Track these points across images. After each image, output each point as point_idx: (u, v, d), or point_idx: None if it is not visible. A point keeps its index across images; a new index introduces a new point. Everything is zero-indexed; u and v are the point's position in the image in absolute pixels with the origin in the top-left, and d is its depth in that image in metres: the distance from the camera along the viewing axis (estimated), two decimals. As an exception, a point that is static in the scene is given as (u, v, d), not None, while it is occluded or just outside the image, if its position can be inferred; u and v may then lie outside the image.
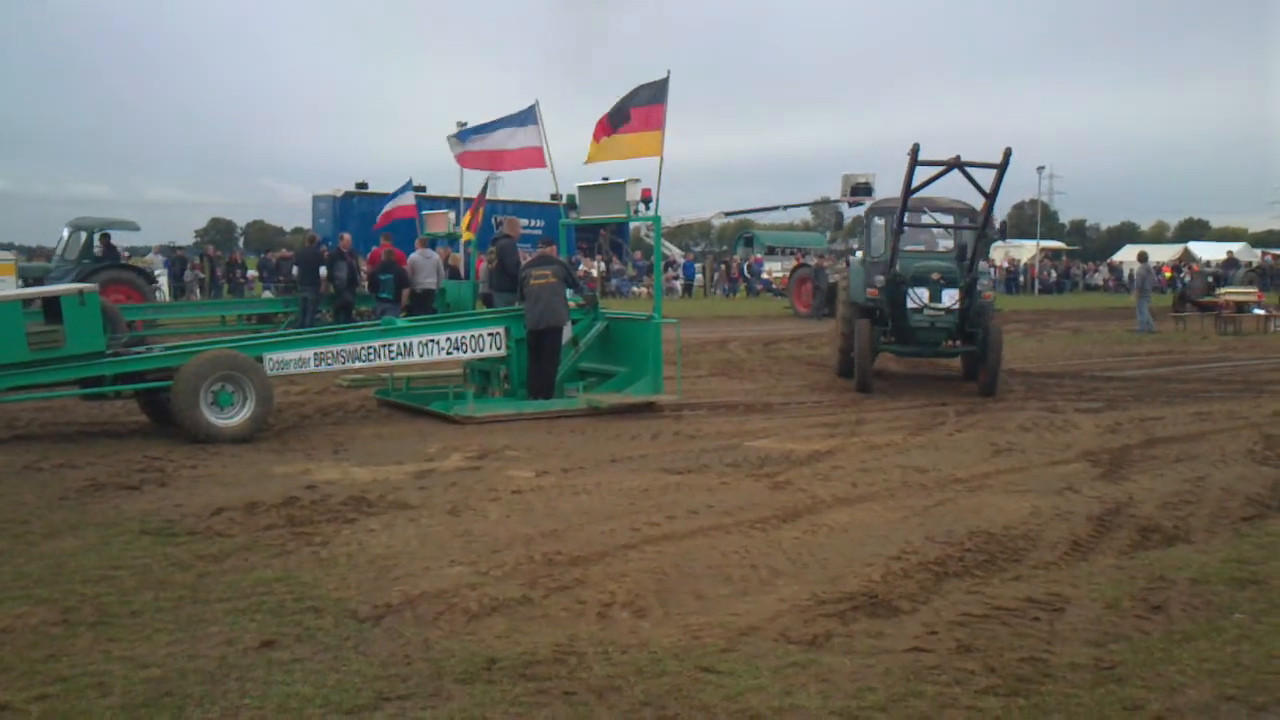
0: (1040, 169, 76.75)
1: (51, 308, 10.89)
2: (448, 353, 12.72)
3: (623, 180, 13.64)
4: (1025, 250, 66.82)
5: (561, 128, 14.75)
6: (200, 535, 7.14)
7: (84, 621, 5.44)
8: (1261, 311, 28.87)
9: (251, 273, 42.46)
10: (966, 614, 5.69)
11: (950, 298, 14.73)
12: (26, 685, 4.66)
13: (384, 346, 12.20)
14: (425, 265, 20.47)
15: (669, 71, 13.16)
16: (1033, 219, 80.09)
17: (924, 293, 14.74)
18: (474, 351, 12.96)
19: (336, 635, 5.29)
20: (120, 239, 29.12)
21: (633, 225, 40.30)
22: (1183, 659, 5.09)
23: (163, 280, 33.95)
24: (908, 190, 13.93)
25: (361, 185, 41.02)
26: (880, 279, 15.06)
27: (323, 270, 22.68)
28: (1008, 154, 13.21)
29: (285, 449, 10.48)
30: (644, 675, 4.84)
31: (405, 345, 12.31)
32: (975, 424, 12.21)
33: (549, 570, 6.39)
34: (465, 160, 16.05)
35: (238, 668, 4.86)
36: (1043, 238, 66.93)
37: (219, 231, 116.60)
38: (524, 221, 21.67)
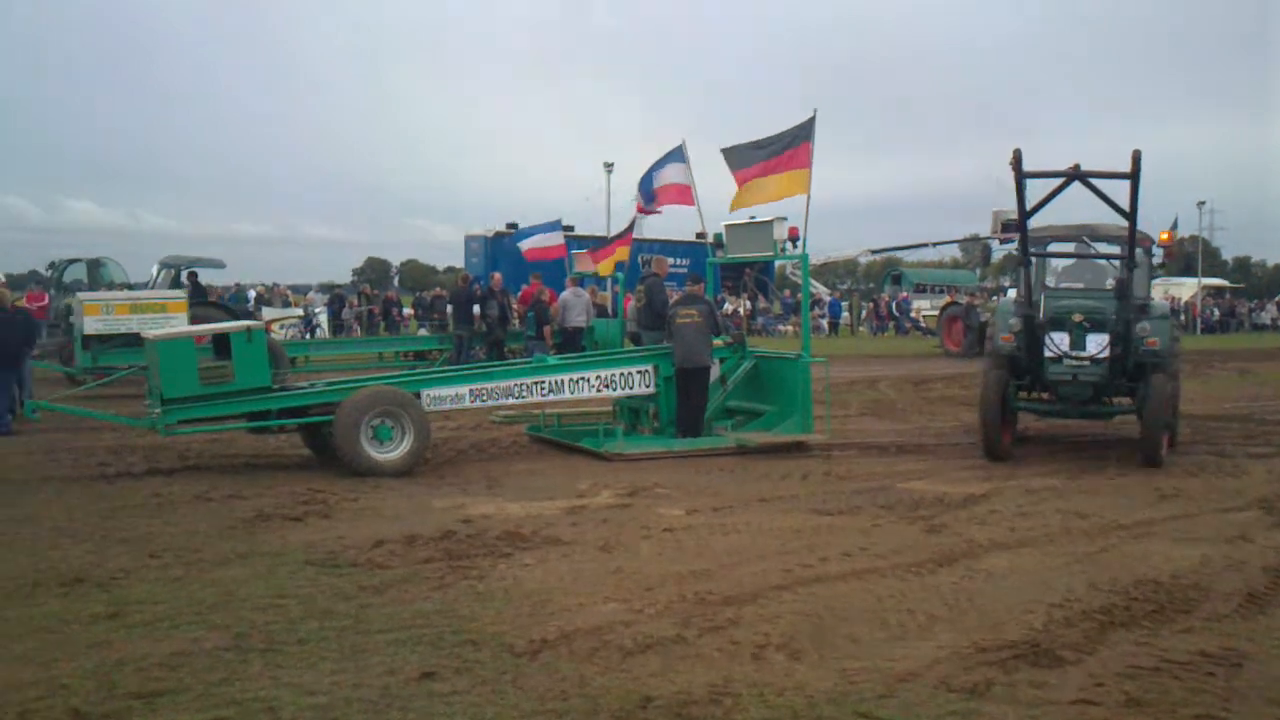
0: (1201, 204, 74.17)
1: (221, 344, 11.36)
2: (598, 390, 12.86)
3: (770, 219, 13.65)
4: (1186, 288, 64.44)
5: (709, 166, 14.81)
6: (361, 567, 7.34)
7: (254, 648, 5.63)
8: None
9: (407, 311, 43.57)
10: (1135, 666, 5.49)
11: (1098, 344, 12.02)
12: (203, 707, 4.84)
13: (536, 384, 12.39)
14: (576, 304, 20.76)
15: (815, 110, 13.17)
16: (1194, 256, 77.29)
17: (1064, 338, 12.15)
18: (623, 389, 13.07)
19: (494, 669, 5.37)
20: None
21: (777, 263, 40.20)
22: (1372, 721, 4.83)
23: (323, 318, 35.04)
24: (1024, 211, 11.64)
25: (512, 225, 41.73)
26: (1015, 321, 12.50)
27: (476, 308, 23.21)
28: (1137, 158, 10.79)
29: (441, 483, 10.71)
30: (800, 719, 4.79)
31: (557, 382, 12.49)
32: (1138, 469, 11.79)
33: (702, 609, 6.39)
34: (648, 209, 16.23)
35: (399, 698, 4.97)
36: (1204, 275, 64.43)
37: (375, 270, 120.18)
38: (671, 260, 21.83)
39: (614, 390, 13.06)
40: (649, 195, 15.73)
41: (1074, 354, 12.12)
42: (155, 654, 5.53)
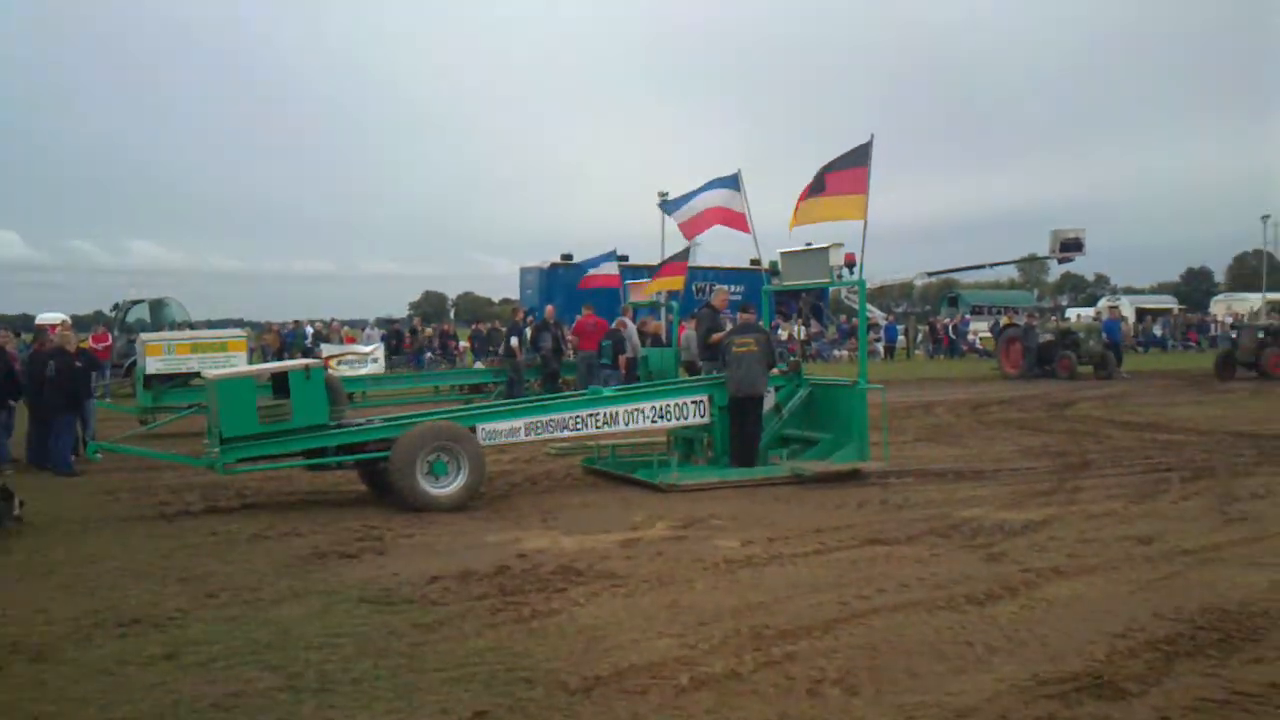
0: (1265, 217, 72.82)
1: (280, 382, 11.48)
2: (653, 421, 12.83)
3: (825, 245, 13.57)
4: (1248, 303, 63.30)
5: (764, 192, 14.76)
6: (416, 604, 7.35)
7: (307, 688, 5.65)
8: None
9: (463, 344, 43.81)
10: (1203, 698, 5.36)
11: None
12: (257, 750, 4.86)
13: (591, 416, 12.39)
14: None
15: (872, 135, 13.07)
16: (1256, 270, 75.90)
17: None
18: (678, 420, 13.03)
19: (547, 706, 5.35)
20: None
21: (832, 288, 40.08)
22: None
23: (379, 352, 35.32)
24: None
25: (566, 257, 41.95)
26: None
27: (514, 340, 23.30)
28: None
29: (496, 517, 10.73)
30: (857, 756, 4.72)
31: (611, 414, 12.48)
32: (1202, 491, 11.56)
33: (757, 644, 6.33)
34: (685, 229, 16.13)
35: (453, 738, 4.96)
36: (1267, 290, 63.23)
37: (431, 304, 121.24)
38: (727, 289, 21.86)
39: (669, 421, 13.03)
40: (682, 209, 15.56)
41: None
42: (210, 695, 5.57)
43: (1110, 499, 11.21)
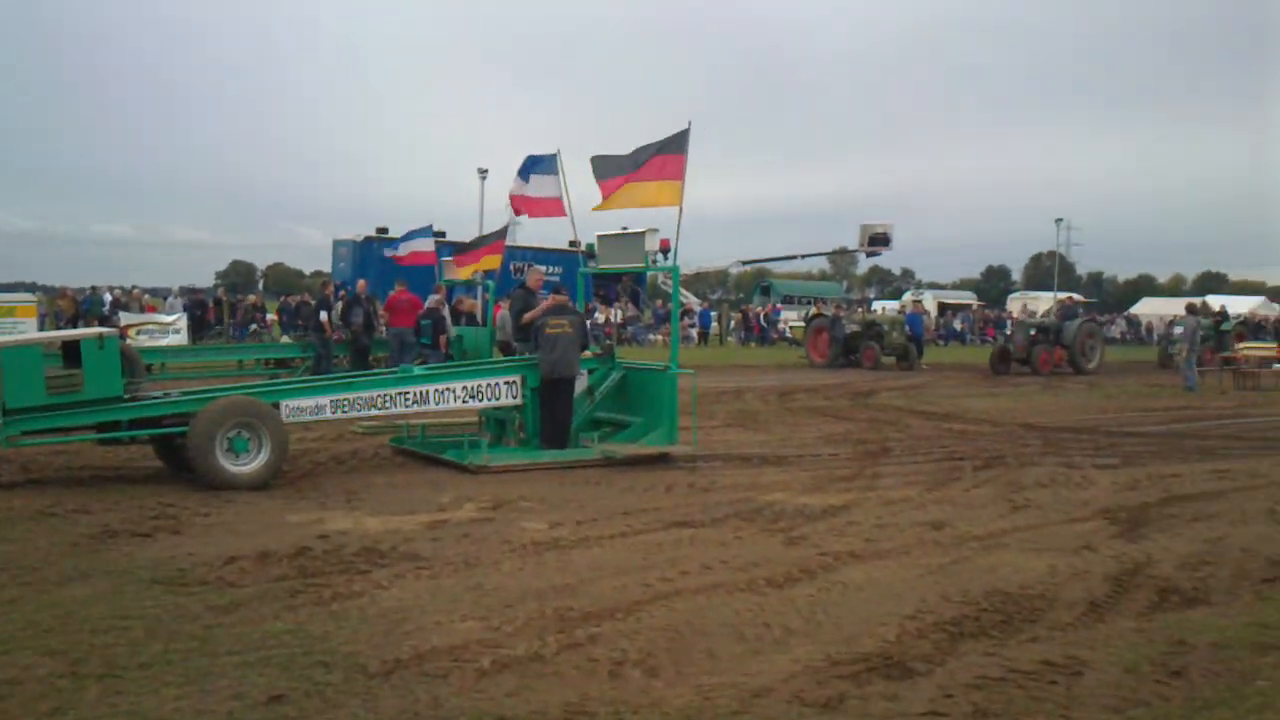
0: (1059, 221, 77.02)
1: (71, 351, 10.93)
2: (464, 401, 12.71)
3: (642, 230, 13.65)
4: (1042, 302, 66.70)
5: (584, 174, 14.67)
6: (211, 585, 7.11)
7: (92, 673, 5.40)
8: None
9: (270, 316, 42.62)
10: (983, 676, 5.61)
11: None
12: (32, 739, 4.63)
13: (400, 395, 12.20)
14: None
15: (690, 122, 13.19)
16: (1050, 270, 80.00)
17: None
18: (490, 400, 12.96)
19: (346, 691, 5.24)
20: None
21: (650, 273, 40.51)
22: (1203, 728, 5.02)
23: (182, 323, 34.07)
24: None
25: (382, 230, 41.21)
26: None
27: (323, 314, 22.81)
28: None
29: (299, 497, 10.47)
30: (655, 737, 4.78)
31: (422, 393, 12.31)
32: (992, 480, 12.11)
33: (561, 626, 6.34)
34: (519, 204, 15.74)
35: (245, 723, 4.83)
36: (1060, 289, 66.77)
37: (239, 274, 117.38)
38: (544, 269, 21.80)
39: (480, 401, 12.93)
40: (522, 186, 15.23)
41: None
42: (-16, 681, 5.27)
43: (907, 486, 11.64)
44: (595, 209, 13.87)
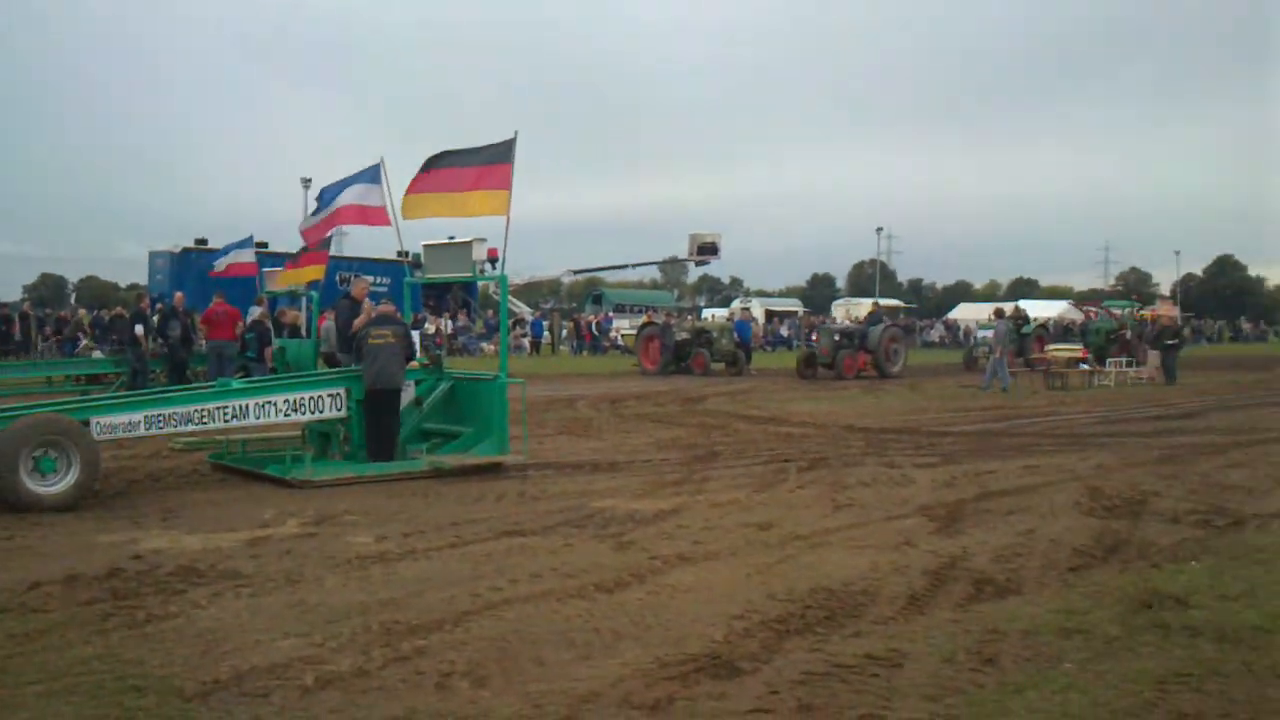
0: (879, 230, 79.75)
1: None
2: (286, 415, 12.37)
3: (468, 239, 13.53)
4: (863, 308, 68.73)
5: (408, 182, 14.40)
6: (13, 612, 6.75)
7: (-122, 710, 5.07)
8: (1086, 367, 30.19)
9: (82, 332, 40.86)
10: (808, 672, 5.72)
11: None
12: None
13: (219, 409, 11.79)
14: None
15: (516, 132, 13.11)
16: (871, 277, 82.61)
17: None
18: (313, 413, 12.65)
19: (159, 715, 5.05)
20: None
21: (481, 282, 40.22)
22: (1015, 710, 5.22)
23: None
24: None
25: (201, 241, 39.93)
26: None
27: (138, 328, 21.98)
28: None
29: (111, 516, 10.04)
30: (482, 748, 4.73)
31: (241, 407, 11.91)
32: (816, 480, 12.38)
33: (386, 640, 6.22)
34: (309, 235, 15.42)
35: (49, 755, 4.59)
36: (881, 296, 68.95)
37: (49, 288, 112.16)
38: (370, 279, 21.34)
39: (303, 414, 12.61)
40: (328, 206, 14.94)
41: None
42: None
43: (735, 488, 11.81)
44: (406, 217, 13.62)
